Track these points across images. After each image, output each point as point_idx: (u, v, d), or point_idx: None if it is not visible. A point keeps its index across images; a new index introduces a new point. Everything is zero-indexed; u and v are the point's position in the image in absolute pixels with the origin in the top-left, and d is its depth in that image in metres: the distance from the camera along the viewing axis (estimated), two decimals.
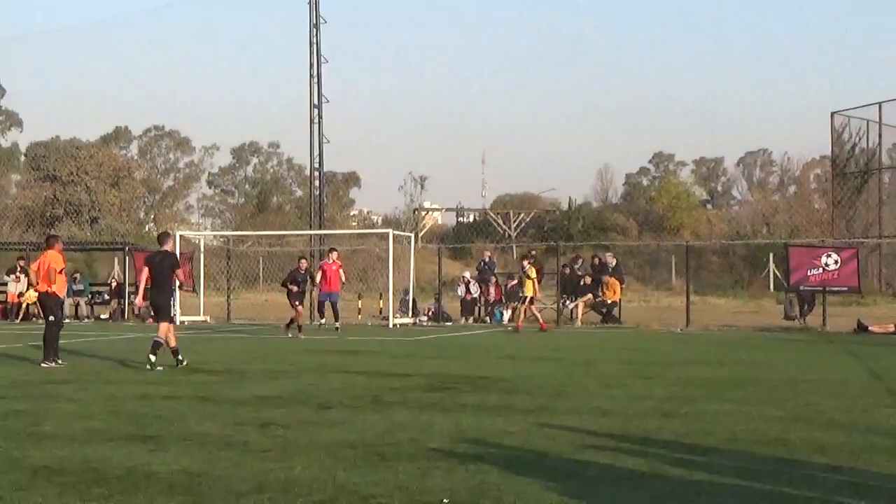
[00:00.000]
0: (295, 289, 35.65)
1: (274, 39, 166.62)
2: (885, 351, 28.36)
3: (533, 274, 37.66)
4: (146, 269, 23.28)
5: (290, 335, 33.55)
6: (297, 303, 35.20)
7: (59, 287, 24.01)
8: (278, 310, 48.53)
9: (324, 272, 38.70)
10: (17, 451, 11.90)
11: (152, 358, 21.98)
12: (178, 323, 41.80)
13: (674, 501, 9.39)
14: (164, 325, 22.86)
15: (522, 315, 37.41)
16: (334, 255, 39.35)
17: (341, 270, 38.82)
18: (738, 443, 12.62)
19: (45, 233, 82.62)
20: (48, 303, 24.04)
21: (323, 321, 40.69)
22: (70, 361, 23.02)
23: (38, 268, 24.18)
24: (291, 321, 35.29)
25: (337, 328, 37.92)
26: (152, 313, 25.15)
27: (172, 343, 22.87)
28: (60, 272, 23.81)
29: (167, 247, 23.59)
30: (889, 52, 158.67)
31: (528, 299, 37.57)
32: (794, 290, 39.98)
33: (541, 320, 37.29)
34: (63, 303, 26.49)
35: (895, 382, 20.11)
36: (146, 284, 23.25)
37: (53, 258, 23.71)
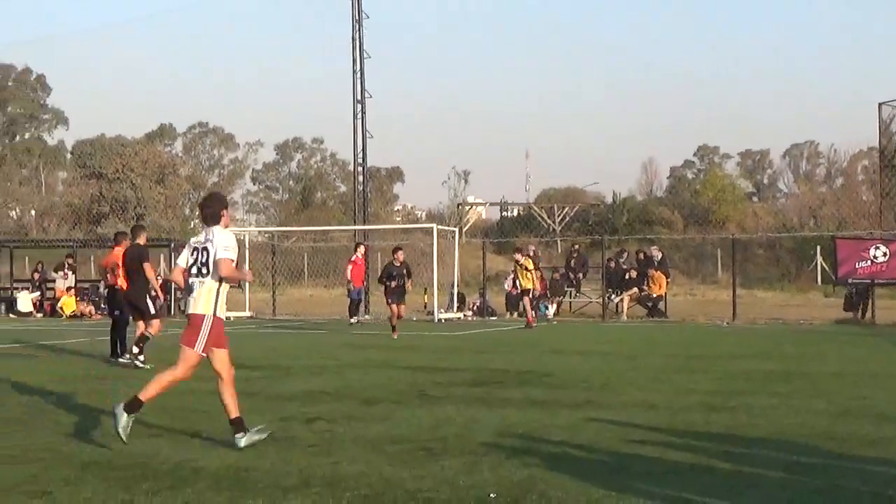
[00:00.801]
0: (393, 285, 31.48)
1: (317, 35, 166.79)
2: None
3: (530, 266, 37.64)
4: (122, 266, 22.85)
5: (353, 321, 34.97)
6: (391, 302, 31.48)
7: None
8: (322, 305, 48.68)
9: (355, 267, 39.74)
10: (67, 446, 11.98)
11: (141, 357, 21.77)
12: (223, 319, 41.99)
13: (721, 495, 9.37)
14: (155, 323, 22.41)
15: (529, 309, 37.20)
16: (361, 249, 39.60)
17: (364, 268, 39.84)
18: (786, 436, 12.59)
19: (92, 230, 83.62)
20: (116, 298, 24.22)
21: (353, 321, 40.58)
22: (115, 358, 23.07)
23: (106, 264, 24.38)
24: (392, 323, 31.32)
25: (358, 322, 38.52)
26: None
27: (138, 333, 22.34)
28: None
29: (139, 241, 23.01)
30: None
31: (529, 291, 37.54)
32: (850, 283, 39.69)
33: (529, 316, 36.67)
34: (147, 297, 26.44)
35: None
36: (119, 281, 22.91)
37: (119, 255, 23.74)
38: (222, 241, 12.53)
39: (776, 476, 10.22)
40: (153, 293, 22.82)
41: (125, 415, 12.11)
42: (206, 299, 12.62)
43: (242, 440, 12.02)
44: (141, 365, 21.47)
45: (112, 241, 25.29)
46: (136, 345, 22.07)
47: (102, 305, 45.64)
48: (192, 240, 13.00)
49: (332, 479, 10.05)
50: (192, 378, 18.67)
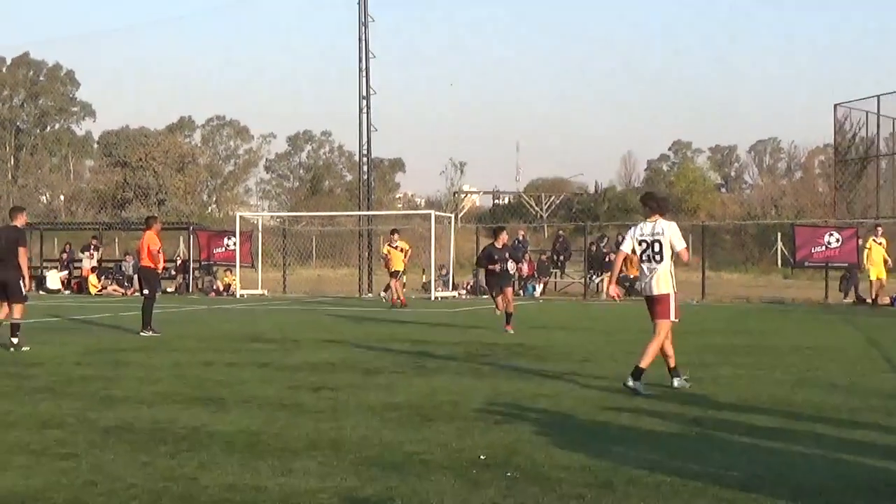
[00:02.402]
0: (496, 269, 24.40)
1: (326, 36, 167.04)
2: (882, 321, 28.30)
3: (405, 247, 36.76)
4: None
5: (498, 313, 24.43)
6: (495, 292, 24.54)
7: (153, 263, 24.05)
8: (329, 284, 48.63)
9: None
10: (91, 412, 11.97)
11: (14, 341, 19.46)
12: (238, 296, 41.96)
13: (690, 458, 9.39)
14: (18, 308, 19.89)
15: (397, 290, 36.05)
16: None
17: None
18: (749, 403, 12.64)
19: (117, 214, 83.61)
20: (147, 277, 24.35)
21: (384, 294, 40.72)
22: (136, 331, 23.04)
23: (140, 247, 24.39)
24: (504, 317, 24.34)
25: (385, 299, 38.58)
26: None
27: (3, 316, 20.17)
28: (158, 251, 23.92)
29: (17, 222, 20.56)
30: (887, 48, 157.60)
31: (399, 273, 36.22)
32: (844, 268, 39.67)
33: (395, 296, 35.67)
34: (159, 278, 26.20)
35: (890, 350, 20.03)
36: None
37: (150, 238, 23.82)
38: (675, 231, 14.12)
39: (739, 440, 10.24)
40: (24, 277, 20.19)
41: (635, 380, 13.65)
42: (665, 281, 14.03)
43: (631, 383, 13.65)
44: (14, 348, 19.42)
45: (143, 225, 25.11)
46: (13, 328, 19.76)
47: (125, 283, 45.82)
48: (637, 232, 14.35)
49: (336, 443, 10.05)
50: (209, 351, 18.71)
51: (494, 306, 24.61)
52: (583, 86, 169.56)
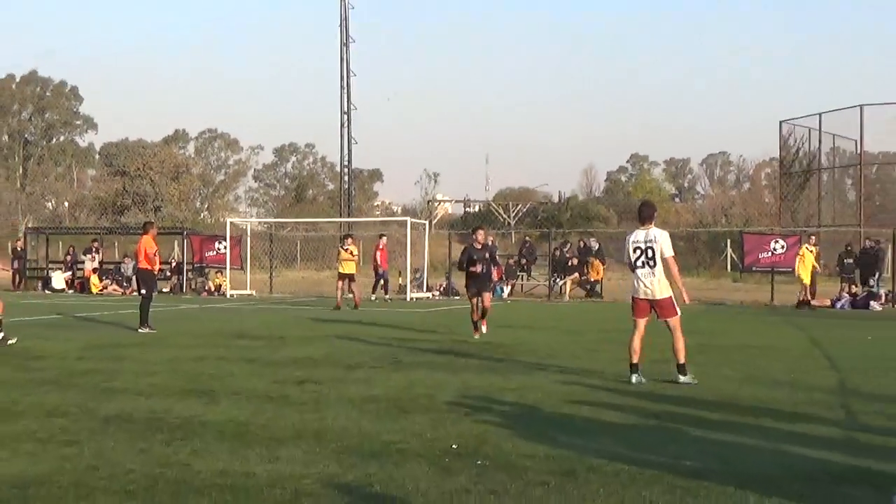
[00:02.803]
0: (476, 270, 22.03)
1: (311, 55, 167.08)
2: (823, 322, 28.38)
3: (356, 252, 35.96)
4: None
5: (373, 297, 21.97)
6: (473, 293, 22.31)
7: (150, 265, 24.06)
8: (313, 285, 48.52)
9: (381, 253, 41.15)
10: (93, 402, 11.96)
11: None
12: (228, 296, 41.91)
13: (646, 448, 9.42)
14: None
15: (343, 291, 34.19)
16: (384, 239, 40.55)
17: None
18: (700, 398, 12.69)
19: (116, 219, 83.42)
20: (144, 278, 24.30)
21: (374, 297, 40.86)
22: (134, 328, 23.00)
23: (138, 250, 24.39)
24: (476, 321, 22.35)
25: (388, 300, 38.75)
26: None
27: None
28: (155, 254, 23.97)
29: None
30: (828, 70, 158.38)
31: (353, 276, 34.41)
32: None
33: (339, 300, 33.81)
34: (156, 279, 25.98)
35: (830, 348, 20.09)
36: None
37: (147, 242, 23.85)
38: (666, 239, 14.37)
39: (691, 432, 10.28)
40: None
41: (683, 375, 14.30)
42: (665, 284, 14.35)
43: (683, 378, 14.21)
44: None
45: (141, 230, 25.10)
46: None
47: (124, 283, 45.74)
48: (632, 238, 14.62)
49: (319, 433, 10.06)
50: (202, 347, 18.65)
51: (471, 310, 22.22)
52: (548, 102, 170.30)
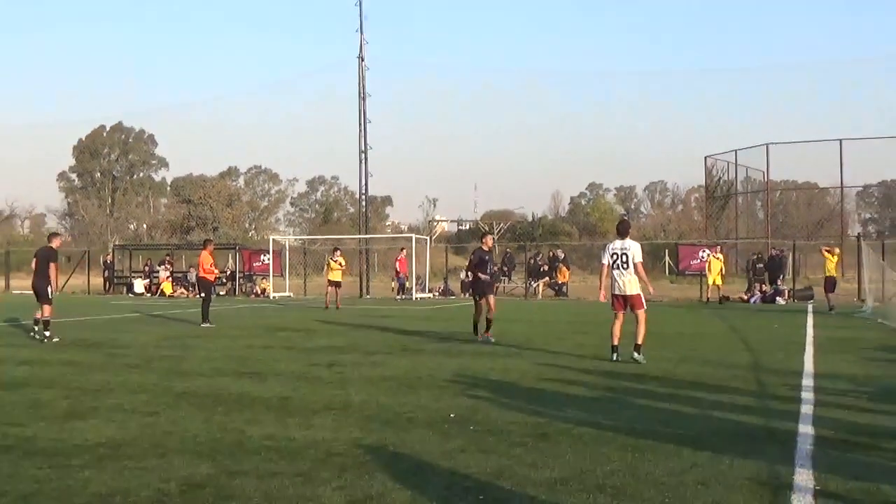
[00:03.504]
0: (488, 278, 18.88)
1: (336, 107, 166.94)
2: (740, 314, 28.37)
3: (343, 262, 33.51)
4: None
5: (480, 339, 18.03)
6: (480, 296, 18.89)
7: (208, 274, 24.13)
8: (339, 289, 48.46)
9: (400, 263, 42.67)
10: (167, 382, 11.96)
11: (47, 334, 18.54)
12: (271, 298, 41.84)
13: (604, 413, 9.42)
14: (48, 308, 18.77)
15: (331, 294, 32.02)
16: (404, 252, 41.36)
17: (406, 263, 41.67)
18: (647, 375, 12.67)
19: (183, 238, 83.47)
20: (203, 285, 24.42)
21: (399, 297, 41.50)
22: (198, 323, 22.98)
23: (200, 263, 24.43)
24: (484, 323, 18.71)
25: (397, 299, 39.14)
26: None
27: (39, 315, 19.08)
28: (212, 265, 24.08)
29: (53, 244, 19.34)
30: (742, 114, 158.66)
31: (339, 283, 32.37)
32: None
33: (327, 301, 32.12)
34: (213, 285, 25.59)
35: (746, 334, 20.08)
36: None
37: (205, 256, 23.96)
38: (637, 249, 14.75)
39: (639, 402, 10.28)
40: (52, 285, 18.80)
41: (638, 353, 14.32)
42: (635, 283, 14.64)
43: (637, 356, 14.28)
44: (45, 339, 18.48)
45: (201, 246, 25.13)
46: (44, 324, 18.77)
47: (190, 288, 45.74)
48: (610, 247, 14.87)
49: (344, 405, 10.05)
50: (251, 338, 18.62)
51: (475, 312, 18.99)
52: (523, 141, 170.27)
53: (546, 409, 9.78)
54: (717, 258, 36.59)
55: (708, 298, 36.82)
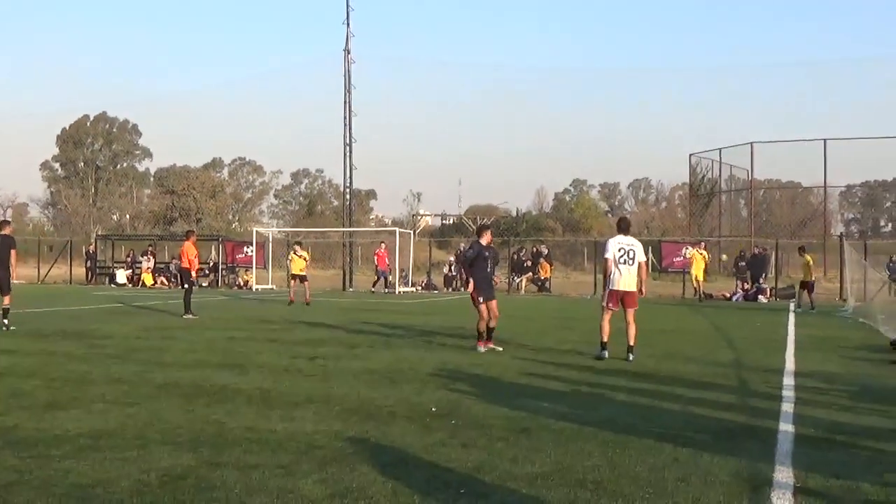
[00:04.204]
0: (482, 272, 16.08)
1: (320, 98, 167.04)
2: (722, 311, 28.48)
3: (307, 256, 31.61)
4: None
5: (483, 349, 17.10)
6: (482, 299, 15.96)
7: (190, 265, 24.06)
8: (321, 282, 48.34)
9: (378, 256, 42.10)
10: (148, 373, 11.93)
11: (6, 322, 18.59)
12: (254, 290, 41.81)
13: (585, 409, 9.44)
14: (7, 298, 18.85)
15: (295, 289, 30.53)
16: (383, 246, 41.13)
17: (387, 257, 42.12)
18: (628, 371, 12.70)
19: (166, 229, 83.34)
20: (185, 275, 24.41)
21: (374, 290, 41.14)
22: (180, 315, 22.94)
23: (181, 253, 24.41)
24: (485, 335, 15.80)
25: (388, 292, 38.88)
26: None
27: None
28: (194, 256, 24.01)
29: (5, 232, 19.27)
30: (726, 113, 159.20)
31: (305, 277, 30.35)
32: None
33: (291, 295, 30.55)
34: (193, 275, 25.23)
35: (729, 332, 20.16)
36: None
37: (188, 247, 23.98)
38: (641, 247, 14.50)
39: (621, 398, 10.29)
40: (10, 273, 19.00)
41: (633, 354, 14.11)
42: (635, 282, 14.38)
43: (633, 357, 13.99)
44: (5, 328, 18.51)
45: (184, 236, 25.11)
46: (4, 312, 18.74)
47: (172, 279, 45.69)
48: (616, 241, 14.45)
49: (326, 398, 10.04)
50: (233, 329, 18.60)
51: (478, 318, 16.00)
52: (507, 134, 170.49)
53: (528, 403, 9.79)
54: (702, 254, 36.65)
55: (707, 294, 36.60)
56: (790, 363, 14.07)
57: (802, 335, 19.40)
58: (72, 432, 8.07)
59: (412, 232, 55.98)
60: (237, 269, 48.51)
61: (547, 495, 6.21)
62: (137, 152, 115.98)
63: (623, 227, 14.74)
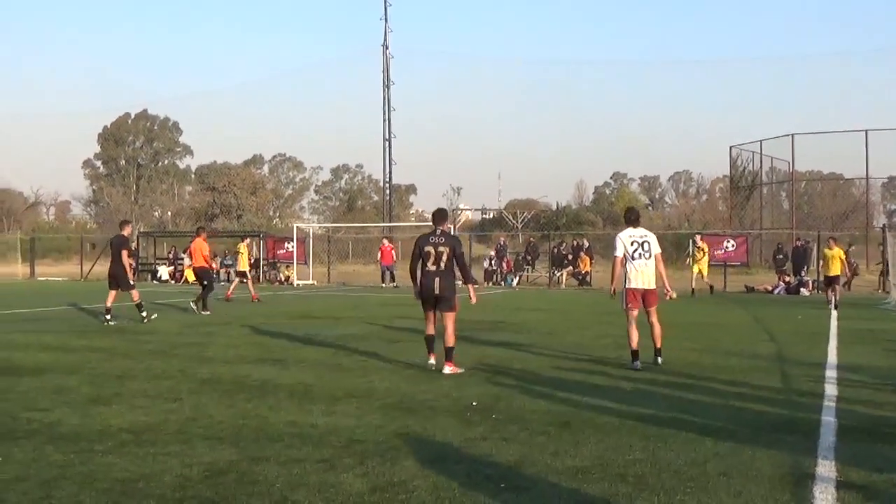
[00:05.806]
0: (428, 267, 13.10)
1: (360, 95, 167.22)
2: (764, 304, 28.27)
3: (244, 251, 31.02)
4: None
5: (383, 285, 15.49)
6: (429, 305, 13.13)
7: (207, 263, 23.97)
8: (361, 277, 48.50)
9: (383, 252, 41.75)
10: (190, 368, 12.02)
11: (144, 314, 19.77)
12: (294, 285, 41.94)
13: (626, 403, 9.41)
14: (135, 293, 19.99)
15: (250, 286, 30.02)
16: (386, 241, 40.94)
17: (393, 252, 42.01)
18: (668, 365, 12.65)
19: (207, 225, 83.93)
20: (205, 274, 23.82)
21: (384, 285, 40.81)
22: (226, 309, 23.07)
23: (192, 252, 24.26)
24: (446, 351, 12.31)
25: (396, 286, 38.53)
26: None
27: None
28: (209, 253, 23.82)
29: (124, 232, 20.37)
30: (767, 104, 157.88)
31: (246, 273, 30.45)
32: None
33: (252, 292, 29.35)
34: (212, 273, 25.16)
35: (769, 324, 20.02)
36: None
37: (199, 244, 23.66)
38: (655, 238, 13.20)
39: (660, 391, 10.26)
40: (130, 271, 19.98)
41: (660, 357, 12.99)
42: (654, 278, 13.19)
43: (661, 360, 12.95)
44: (110, 322, 19.16)
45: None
46: (137, 307, 19.88)
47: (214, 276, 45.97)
48: (627, 234, 13.13)
49: (367, 392, 10.08)
50: (274, 325, 18.67)
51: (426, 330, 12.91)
52: (548, 128, 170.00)
53: (568, 397, 9.78)
54: (701, 247, 35.72)
55: (710, 285, 35.83)
56: (832, 356, 13.95)
57: (844, 328, 19.21)
58: (114, 427, 8.14)
59: (452, 227, 55.93)
60: (278, 264, 48.71)
61: (588, 489, 6.20)
62: (178, 149, 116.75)
63: (632, 219, 13.30)
